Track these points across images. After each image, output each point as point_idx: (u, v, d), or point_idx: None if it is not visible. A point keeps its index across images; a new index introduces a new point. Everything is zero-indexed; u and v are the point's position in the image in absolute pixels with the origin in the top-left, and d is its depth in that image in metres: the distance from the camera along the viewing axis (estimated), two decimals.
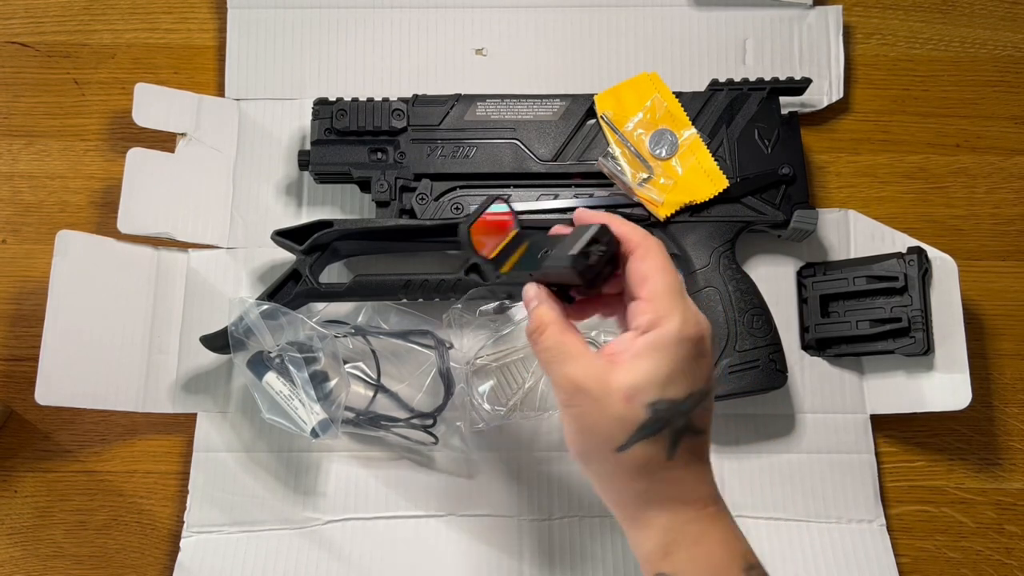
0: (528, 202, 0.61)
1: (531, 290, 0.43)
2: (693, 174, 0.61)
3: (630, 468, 0.40)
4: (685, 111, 0.62)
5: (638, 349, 0.39)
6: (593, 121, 0.63)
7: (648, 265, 0.41)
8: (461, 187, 0.62)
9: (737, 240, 0.61)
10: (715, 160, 0.61)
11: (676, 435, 0.40)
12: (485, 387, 0.61)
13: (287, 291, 0.59)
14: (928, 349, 0.58)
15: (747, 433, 0.62)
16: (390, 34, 0.68)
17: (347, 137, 0.62)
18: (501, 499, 0.60)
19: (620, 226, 0.42)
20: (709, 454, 0.42)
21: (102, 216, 0.66)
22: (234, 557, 0.59)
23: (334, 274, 0.64)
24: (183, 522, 0.59)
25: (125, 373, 0.60)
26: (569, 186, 0.62)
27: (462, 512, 0.60)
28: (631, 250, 0.41)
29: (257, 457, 0.61)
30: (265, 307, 0.57)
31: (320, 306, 0.62)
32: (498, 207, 0.45)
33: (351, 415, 0.60)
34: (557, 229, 0.46)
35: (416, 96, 0.63)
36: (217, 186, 0.65)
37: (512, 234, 0.46)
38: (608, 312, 0.45)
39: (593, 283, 0.41)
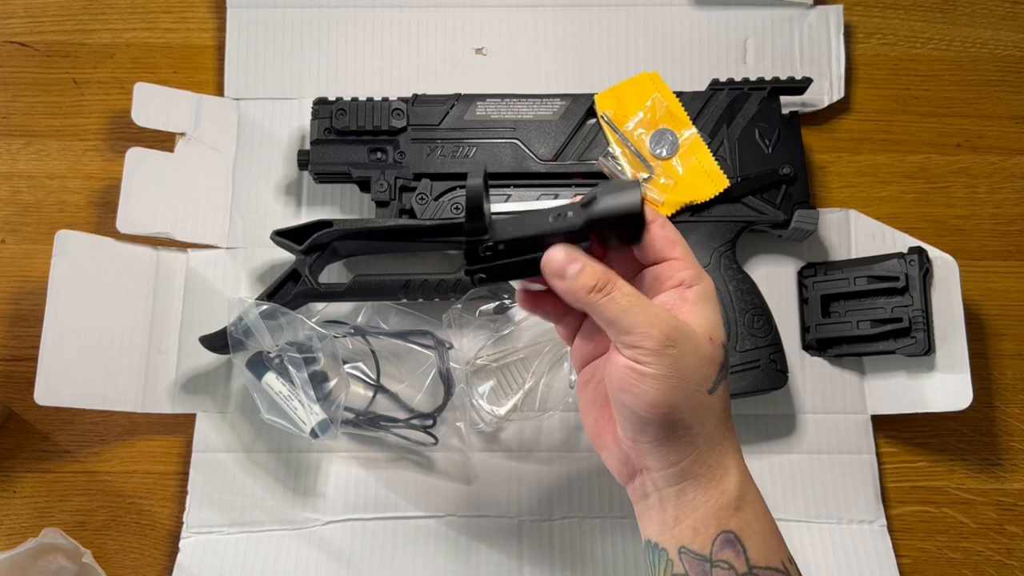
0: (528, 202, 0.61)
1: (563, 252, 0.41)
2: (694, 174, 0.61)
3: (718, 410, 0.41)
4: (686, 111, 0.62)
5: (696, 299, 0.41)
6: (593, 121, 0.63)
7: (672, 230, 0.42)
8: (461, 187, 0.62)
9: (738, 240, 0.61)
10: (716, 160, 0.61)
11: (729, 373, 0.42)
12: (485, 387, 0.61)
13: (286, 291, 0.59)
14: (929, 349, 0.58)
15: (748, 433, 0.62)
16: (390, 34, 0.68)
17: (347, 137, 0.62)
18: (501, 499, 0.60)
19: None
20: None
21: (101, 216, 0.66)
22: (233, 558, 0.58)
23: (334, 274, 0.64)
24: (182, 522, 0.59)
25: (124, 373, 0.60)
26: (569, 186, 0.62)
27: (462, 513, 0.60)
28: (651, 219, 0.42)
29: (256, 458, 0.61)
30: (264, 307, 0.57)
31: (320, 306, 0.62)
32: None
33: (351, 415, 0.60)
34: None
35: (416, 96, 0.63)
36: (216, 186, 0.65)
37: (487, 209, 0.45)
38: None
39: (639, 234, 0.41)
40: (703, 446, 0.40)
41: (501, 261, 0.42)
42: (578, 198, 0.42)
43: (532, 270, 0.42)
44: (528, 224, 0.42)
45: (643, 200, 0.40)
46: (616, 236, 0.41)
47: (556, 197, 0.61)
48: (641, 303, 0.40)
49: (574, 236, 0.41)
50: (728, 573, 0.39)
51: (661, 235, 0.42)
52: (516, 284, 0.45)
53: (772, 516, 0.42)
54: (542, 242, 0.41)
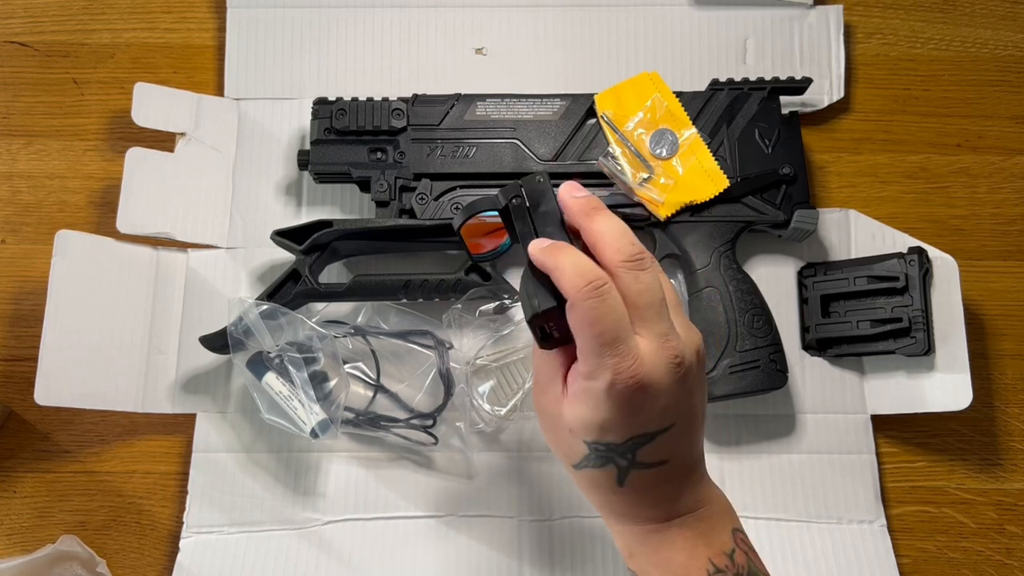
0: None
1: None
2: (694, 174, 0.61)
3: (585, 486, 0.43)
4: (685, 111, 0.62)
5: (575, 392, 0.41)
6: (593, 121, 0.63)
7: (575, 319, 0.39)
8: (461, 187, 0.62)
9: (738, 240, 0.61)
10: (716, 160, 0.61)
11: (622, 470, 0.41)
12: (485, 387, 0.61)
13: (287, 291, 0.59)
14: (929, 349, 0.58)
15: (747, 433, 0.62)
16: (390, 34, 0.68)
17: (347, 137, 0.62)
18: (501, 499, 0.60)
19: (557, 270, 0.40)
20: (683, 473, 0.43)
21: (101, 216, 0.66)
22: (233, 558, 0.58)
23: (334, 274, 0.64)
24: (182, 522, 0.59)
25: (124, 373, 0.60)
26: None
27: (462, 512, 0.60)
28: (567, 301, 0.40)
29: (256, 457, 0.61)
30: (264, 307, 0.57)
31: (320, 306, 0.62)
32: (491, 213, 0.44)
33: (351, 415, 0.60)
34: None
35: (416, 96, 0.63)
36: (216, 186, 0.65)
37: (505, 240, 0.46)
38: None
39: (555, 339, 0.42)
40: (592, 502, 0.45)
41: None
42: (573, 217, 0.43)
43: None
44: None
45: (530, 323, 0.41)
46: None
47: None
48: (537, 380, 0.44)
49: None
50: None
51: (570, 320, 0.39)
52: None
53: (693, 556, 0.42)
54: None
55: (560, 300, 0.40)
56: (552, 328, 0.41)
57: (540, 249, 0.42)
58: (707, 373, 0.58)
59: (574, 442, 0.41)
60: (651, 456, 0.41)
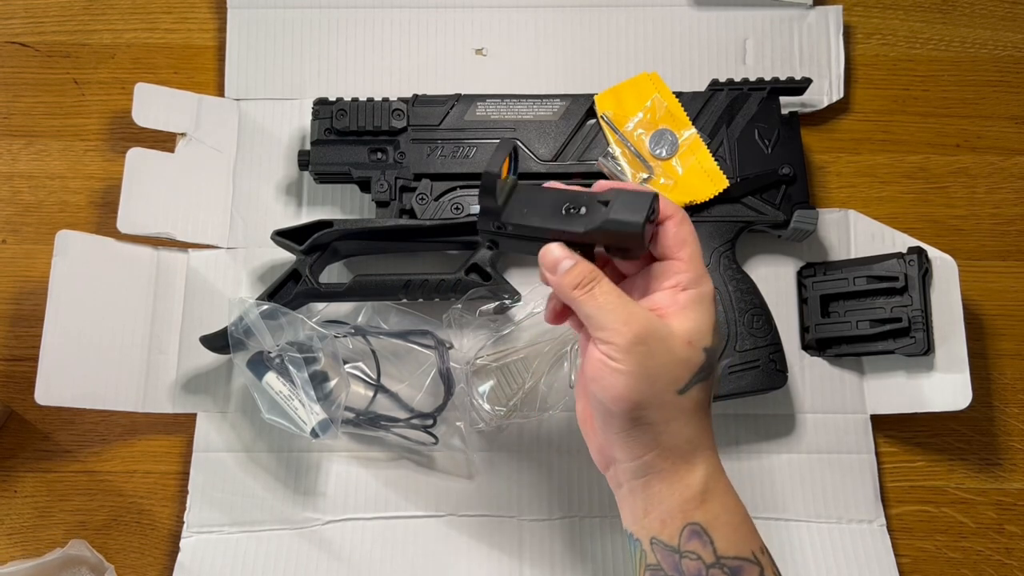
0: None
1: (557, 249, 0.43)
2: (693, 174, 0.61)
3: (688, 409, 0.42)
4: (685, 111, 0.62)
5: (686, 302, 0.42)
6: (593, 121, 0.63)
7: (686, 230, 0.43)
8: (461, 187, 0.62)
9: (737, 240, 0.61)
10: (715, 160, 0.61)
11: (714, 379, 0.43)
12: (485, 387, 0.61)
13: (287, 291, 0.59)
14: (928, 349, 0.58)
15: (747, 433, 0.62)
16: (390, 34, 0.68)
17: (347, 137, 0.62)
18: (501, 499, 0.60)
19: (660, 198, 0.43)
20: None
21: (102, 216, 0.66)
22: (234, 557, 0.59)
23: (334, 274, 0.64)
24: (183, 522, 0.59)
25: (125, 373, 0.60)
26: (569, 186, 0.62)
27: (462, 512, 0.60)
28: (669, 215, 0.43)
29: (257, 457, 0.61)
30: (265, 307, 0.57)
31: (320, 306, 0.62)
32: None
33: (351, 415, 0.60)
34: (552, 184, 0.46)
35: (416, 96, 0.63)
36: (217, 186, 0.65)
37: (509, 181, 0.45)
38: (615, 277, 0.45)
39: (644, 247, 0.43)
40: (668, 442, 0.42)
41: (509, 237, 0.44)
42: (600, 187, 0.44)
43: (535, 252, 0.44)
44: (540, 212, 0.44)
45: (644, 223, 0.41)
46: (616, 248, 0.43)
47: None
48: (619, 302, 0.41)
49: (577, 238, 0.43)
50: (696, 563, 0.41)
51: (673, 233, 0.43)
52: (544, 303, 0.47)
53: (744, 509, 0.43)
54: (546, 236, 0.43)
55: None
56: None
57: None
58: None
59: (693, 353, 0.41)
60: (716, 369, 0.43)
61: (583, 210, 0.43)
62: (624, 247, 0.43)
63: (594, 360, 0.41)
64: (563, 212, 0.43)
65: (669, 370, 0.41)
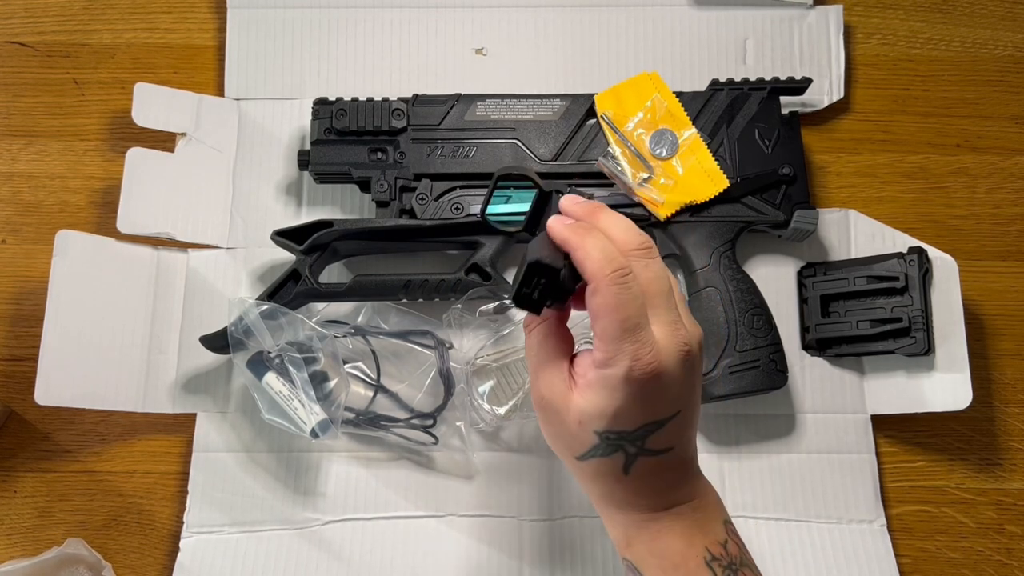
0: (528, 202, 0.61)
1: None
2: (693, 174, 0.61)
3: (588, 475, 0.43)
4: (685, 111, 0.62)
5: (589, 381, 0.41)
6: (593, 121, 0.63)
7: (597, 303, 0.39)
8: (461, 187, 0.62)
9: (737, 240, 0.61)
10: (715, 160, 0.61)
11: (630, 457, 0.41)
12: (485, 387, 0.61)
13: (287, 291, 0.59)
14: (929, 349, 0.58)
15: (747, 433, 0.62)
16: (390, 34, 0.68)
17: (347, 137, 0.62)
18: (501, 499, 0.60)
19: (581, 250, 0.40)
20: (684, 462, 0.43)
21: (102, 216, 0.66)
22: (234, 557, 0.59)
23: (334, 274, 0.64)
24: (183, 522, 0.59)
25: (125, 373, 0.60)
26: (569, 186, 0.62)
27: (462, 512, 0.60)
28: (587, 281, 0.40)
29: (257, 457, 0.61)
30: (265, 307, 0.57)
31: (320, 306, 0.62)
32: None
33: (351, 415, 0.60)
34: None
35: (416, 96, 0.63)
36: (217, 186, 0.65)
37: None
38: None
39: (549, 304, 0.42)
40: (583, 490, 0.46)
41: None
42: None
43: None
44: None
45: (527, 292, 0.41)
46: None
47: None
48: (535, 362, 0.43)
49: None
50: None
51: (588, 304, 0.40)
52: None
53: (678, 544, 0.43)
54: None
55: (565, 267, 0.41)
56: (536, 289, 0.41)
57: (565, 225, 0.42)
58: (707, 373, 0.58)
59: (582, 433, 0.41)
60: (659, 443, 0.41)
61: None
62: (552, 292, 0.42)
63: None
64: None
65: (563, 438, 0.43)
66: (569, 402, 0.41)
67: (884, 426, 0.62)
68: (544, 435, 0.45)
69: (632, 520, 0.43)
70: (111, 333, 0.60)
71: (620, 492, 0.43)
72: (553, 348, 0.43)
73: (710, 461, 0.61)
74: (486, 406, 0.60)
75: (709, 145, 0.62)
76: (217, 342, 0.58)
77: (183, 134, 0.65)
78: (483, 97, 0.63)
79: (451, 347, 0.60)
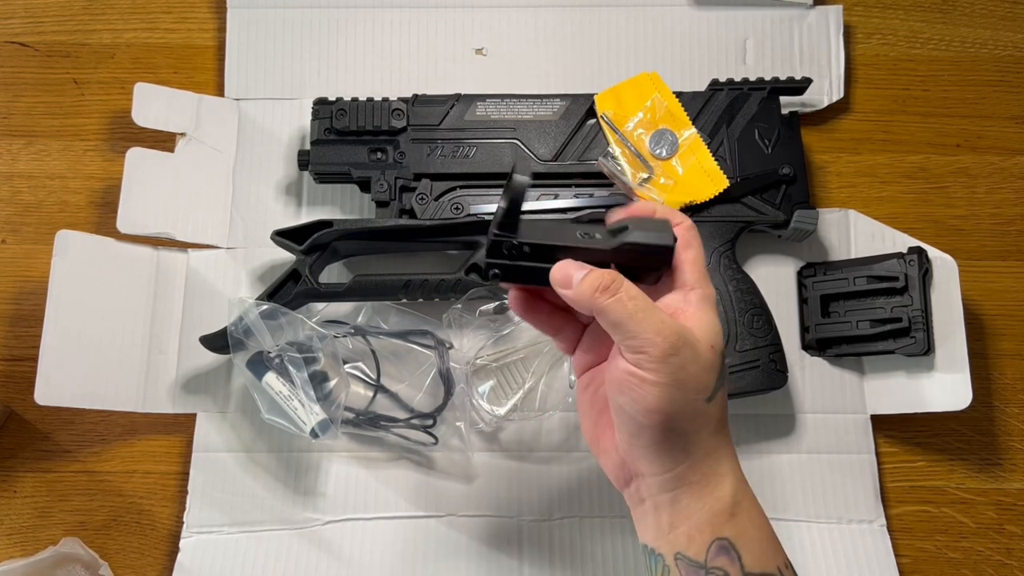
0: (528, 202, 0.61)
1: (570, 264, 0.41)
2: (693, 174, 0.61)
3: (715, 417, 0.41)
4: (685, 111, 0.62)
5: (699, 302, 0.41)
6: (593, 121, 0.63)
7: (693, 235, 0.43)
8: (461, 187, 0.62)
9: (737, 240, 0.61)
10: (715, 160, 0.61)
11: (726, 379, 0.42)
12: (485, 387, 0.61)
13: (287, 291, 0.59)
14: (928, 349, 0.58)
15: (747, 433, 0.62)
16: (390, 34, 0.68)
17: (347, 137, 0.62)
18: (501, 499, 0.60)
19: (677, 215, 0.44)
20: None
21: (102, 216, 0.66)
22: (234, 557, 0.59)
23: (334, 274, 0.64)
24: (183, 522, 0.59)
25: (125, 373, 0.60)
26: (569, 186, 0.62)
27: (462, 512, 0.60)
28: (679, 221, 0.43)
29: (257, 457, 0.61)
30: (265, 307, 0.57)
31: (320, 306, 0.62)
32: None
33: (351, 415, 0.60)
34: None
35: (416, 96, 0.63)
36: (216, 186, 0.65)
37: None
38: None
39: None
40: (697, 454, 0.40)
41: (520, 263, 0.42)
42: (611, 216, 0.44)
43: (545, 279, 0.42)
44: (556, 234, 0.42)
45: (675, 240, 0.42)
46: (642, 266, 0.42)
47: (556, 197, 0.61)
48: (647, 307, 0.39)
49: (599, 257, 0.42)
50: None
51: (679, 235, 0.42)
52: (511, 290, 0.45)
53: (768, 521, 0.42)
54: (567, 255, 0.42)
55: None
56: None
57: (643, 203, 0.44)
58: None
59: (715, 359, 0.40)
60: None
61: (598, 235, 0.42)
62: (647, 267, 0.42)
63: (622, 372, 0.40)
64: (579, 236, 0.42)
65: (699, 378, 0.39)
66: (694, 332, 0.40)
67: (884, 426, 0.62)
68: (666, 393, 0.39)
69: (740, 479, 0.41)
70: (111, 333, 0.60)
71: (729, 433, 0.42)
72: (647, 296, 0.41)
73: None
74: (486, 406, 0.60)
75: (709, 145, 0.62)
76: (217, 342, 0.58)
77: (183, 134, 0.65)
78: (483, 97, 0.63)
79: (451, 347, 0.60)
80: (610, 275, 0.40)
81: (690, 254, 0.42)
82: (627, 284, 0.40)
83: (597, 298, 0.40)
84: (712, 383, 0.40)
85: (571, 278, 0.41)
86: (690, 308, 0.41)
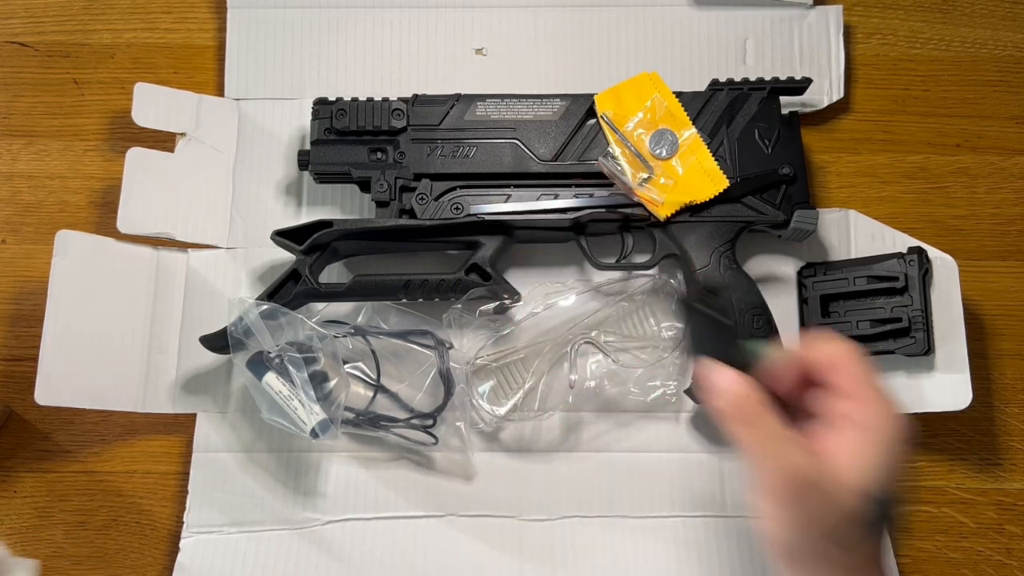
0: (528, 202, 0.61)
1: (722, 370, 0.40)
2: (693, 174, 0.61)
3: (853, 567, 0.38)
4: (685, 111, 0.62)
5: (860, 437, 0.38)
6: (593, 121, 0.63)
7: (861, 368, 0.40)
8: (461, 187, 0.62)
9: (737, 240, 0.61)
10: (715, 160, 0.61)
11: (889, 527, 0.40)
12: (485, 387, 0.61)
13: (287, 291, 0.59)
14: (929, 349, 0.58)
15: None
16: (390, 34, 0.68)
17: (347, 137, 0.62)
18: (501, 499, 0.60)
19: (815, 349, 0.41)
20: None
21: (102, 216, 0.66)
22: (234, 557, 0.59)
23: (334, 274, 0.64)
24: (183, 522, 0.59)
25: (125, 373, 0.60)
26: (569, 186, 0.62)
27: (462, 512, 0.60)
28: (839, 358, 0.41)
29: (257, 457, 0.61)
30: (265, 307, 0.57)
31: (320, 306, 0.62)
32: None
33: (351, 415, 0.60)
34: None
35: (416, 96, 0.63)
36: (216, 186, 0.65)
37: None
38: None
39: None
40: None
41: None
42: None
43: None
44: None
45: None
46: None
47: (556, 197, 0.61)
48: (776, 441, 0.37)
49: None
50: None
51: (848, 372, 0.40)
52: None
53: None
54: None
55: None
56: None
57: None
58: None
59: (855, 506, 0.37)
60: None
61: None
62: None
63: (752, 494, 0.38)
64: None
65: (826, 524, 0.37)
66: (839, 475, 0.37)
67: None
68: (785, 532, 0.37)
69: None
70: (111, 333, 0.60)
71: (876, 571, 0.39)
72: (781, 422, 0.38)
73: (710, 461, 0.61)
74: (486, 406, 0.60)
75: (709, 145, 0.62)
76: (217, 342, 0.58)
77: (183, 134, 0.65)
78: (483, 97, 0.63)
79: (451, 347, 0.60)
80: (735, 391, 0.38)
81: (870, 388, 0.39)
82: (755, 410, 0.38)
83: (724, 414, 0.39)
84: (848, 532, 0.37)
85: (714, 385, 0.40)
86: (845, 446, 0.37)
